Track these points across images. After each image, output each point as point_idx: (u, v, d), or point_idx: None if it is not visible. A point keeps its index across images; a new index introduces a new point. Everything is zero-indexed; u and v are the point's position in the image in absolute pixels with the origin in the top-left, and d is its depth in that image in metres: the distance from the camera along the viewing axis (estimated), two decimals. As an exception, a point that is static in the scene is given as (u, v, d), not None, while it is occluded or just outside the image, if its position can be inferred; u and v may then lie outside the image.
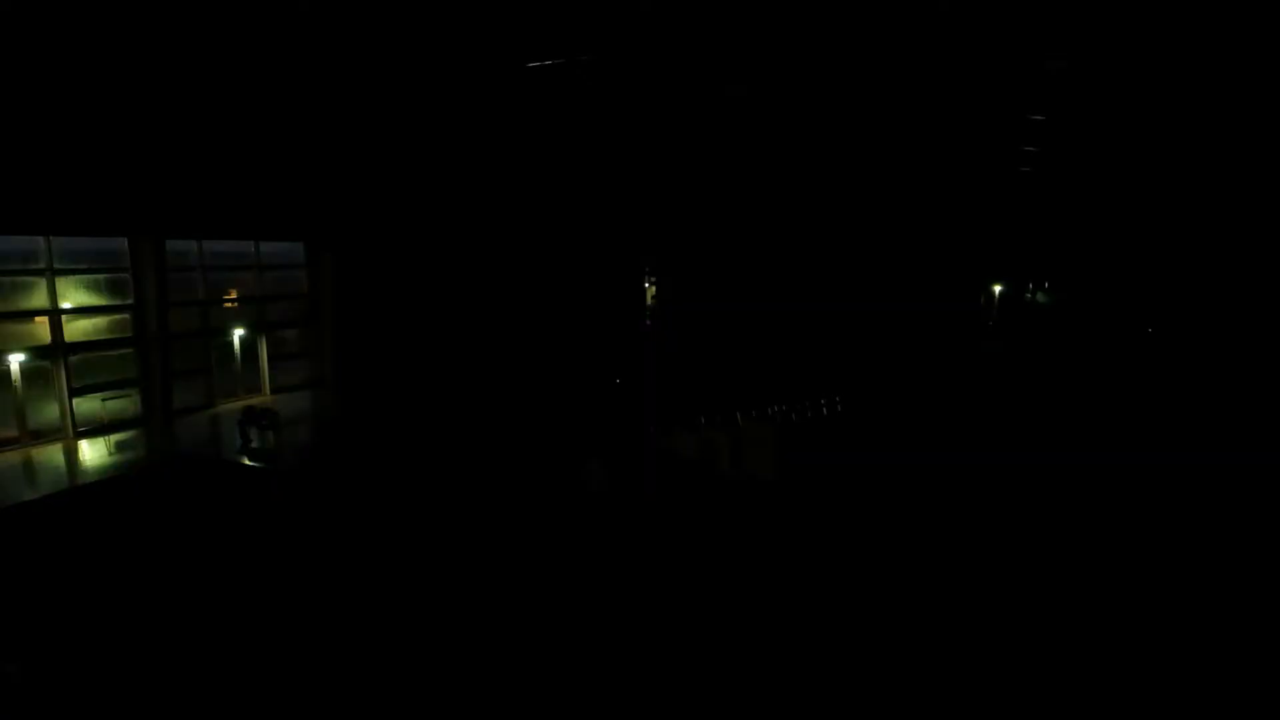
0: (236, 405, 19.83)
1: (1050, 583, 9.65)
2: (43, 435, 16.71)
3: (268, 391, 22.41)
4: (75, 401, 17.14)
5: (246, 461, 15.32)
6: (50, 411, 16.91)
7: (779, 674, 7.50)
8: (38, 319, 16.73)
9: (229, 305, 21.47)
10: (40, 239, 16.50)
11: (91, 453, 16.04)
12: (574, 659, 7.69)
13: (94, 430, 17.33)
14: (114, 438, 16.91)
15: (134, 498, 12.90)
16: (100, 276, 18.01)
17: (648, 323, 38.62)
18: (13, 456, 15.67)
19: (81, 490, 13.36)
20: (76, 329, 17.39)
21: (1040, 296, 35.99)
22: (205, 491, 13.46)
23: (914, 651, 7.93)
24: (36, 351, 16.58)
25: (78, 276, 17.55)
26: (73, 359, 17.15)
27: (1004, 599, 9.23)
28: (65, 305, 17.12)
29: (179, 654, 7.89)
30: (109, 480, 13.81)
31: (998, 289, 37.59)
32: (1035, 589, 9.47)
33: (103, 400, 17.77)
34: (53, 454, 15.93)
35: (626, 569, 9.98)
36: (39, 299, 16.74)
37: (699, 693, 7.15)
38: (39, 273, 16.63)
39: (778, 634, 8.29)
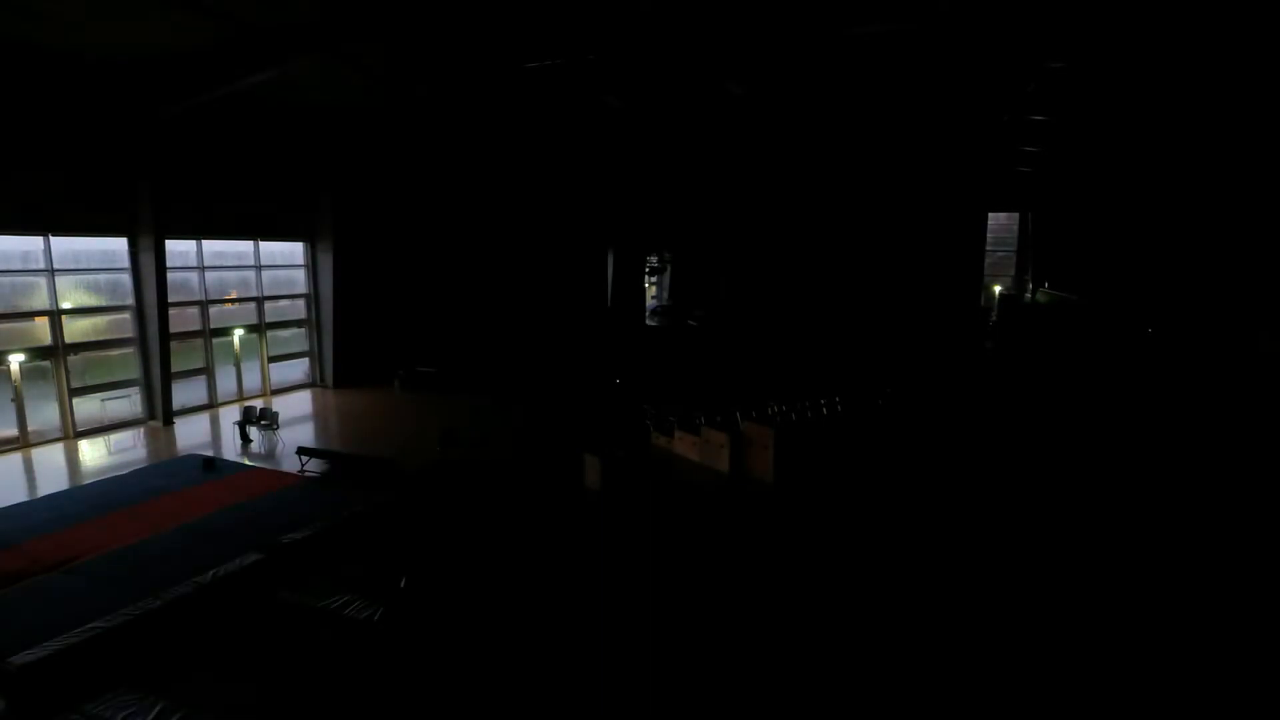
0: (236, 405, 19.88)
1: (1052, 585, 9.66)
2: (42, 435, 16.75)
3: (269, 391, 22.46)
4: (75, 401, 17.17)
5: (246, 462, 15.37)
6: (50, 411, 16.93)
7: (773, 676, 7.50)
8: (37, 319, 16.76)
9: (229, 305, 21.51)
10: (40, 239, 16.55)
11: (91, 453, 16.10)
12: (566, 658, 7.70)
13: (93, 430, 17.38)
14: (113, 437, 16.94)
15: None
16: (100, 276, 18.03)
17: (648, 322, 38.71)
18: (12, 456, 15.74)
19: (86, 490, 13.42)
20: (76, 329, 17.41)
21: (1040, 296, 35.98)
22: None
23: (913, 654, 7.94)
24: (36, 351, 16.61)
25: (77, 276, 17.57)
26: (72, 359, 17.18)
27: (1005, 601, 9.24)
28: (65, 305, 17.14)
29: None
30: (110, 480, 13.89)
31: (998, 289, 37.61)
32: (1036, 591, 9.48)
33: (102, 401, 17.80)
34: (52, 454, 15.98)
35: (623, 568, 9.99)
36: (39, 299, 16.75)
37: (691, 693, 7.15)
38: (39, 273, 16.67)
39: (774, 635, 8.29)
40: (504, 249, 29.64)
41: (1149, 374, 25.27)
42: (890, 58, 17.19)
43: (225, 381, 21.23)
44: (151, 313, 18.20)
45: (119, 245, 17.97)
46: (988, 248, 36.70)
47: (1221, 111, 21.45)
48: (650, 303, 40.69)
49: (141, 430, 17.82)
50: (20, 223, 16.01)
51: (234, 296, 21.73)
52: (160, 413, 18.45)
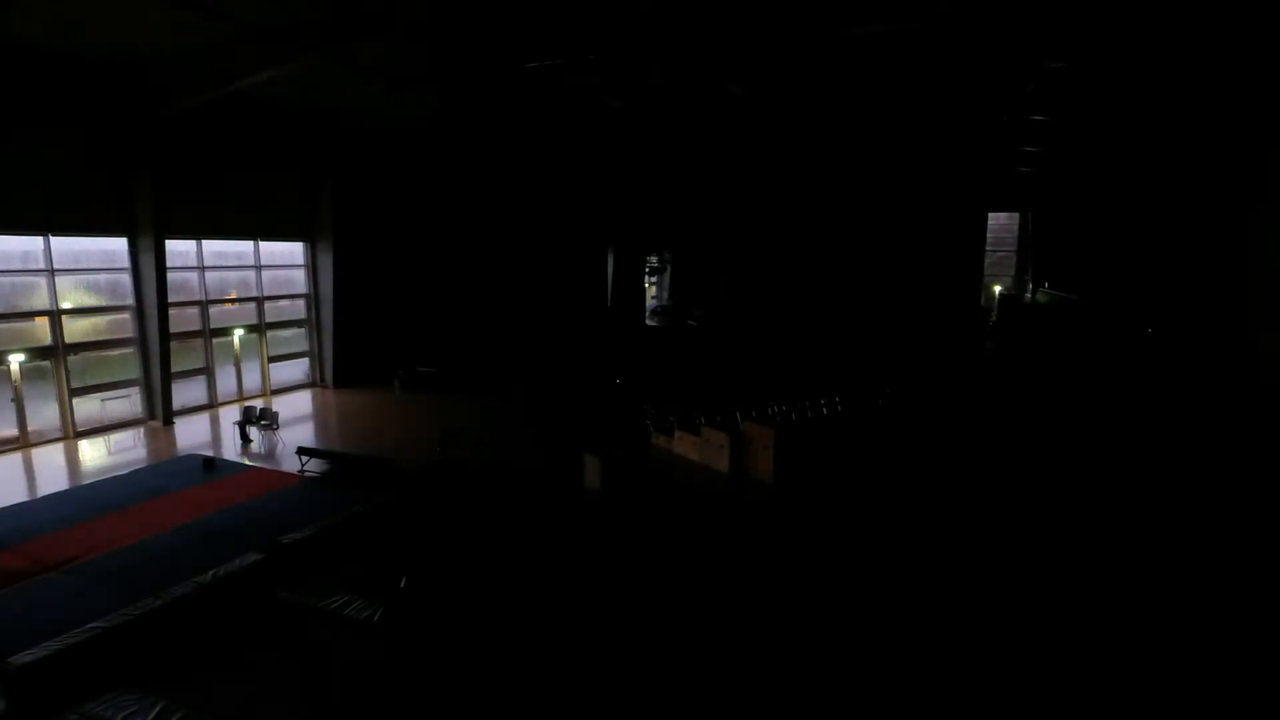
0: (236, 405, 19.87)
1: (1051, 584, 9.65)
2: (42, 435, 16.73)
3: (269, 391, 22.45)
4: (75, 401, 17.16)
5: (246, 462, 15.36)
6: (50, 411, 16.91)
7: (772, 677, 7.50)
8: (37, 319, 16.74)
9: (229, 305, 21.50)
10: (40, 239, 16.53)
11: (92, 453, 16.09)
12: (566, 658, 7.69)
13: (93, 430, 17.37)
14: (113, 437, 16.93)
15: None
16: (100, 276, 18.01)
17: (648, 322, 38.71)
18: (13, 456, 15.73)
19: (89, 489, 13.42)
20: (76, 329, 17.40)
21: (1040, 296, 35.99)
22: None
23: (913, 654, 7.93)
24: (36, 351, 16.59)
25: (77, 276, 17.55)
26: (72, 359, 17.16)
27: (1005, 601, 9.23)
28: (65, 305, 17.13)
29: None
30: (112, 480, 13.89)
31: (998, 289, 37.61)
32: (1036, 590, 9.48)
33: (102, 401, 17.79)
34: (52, 454, 15.97)
35: (623, 568, 9.99)
36: (39, 299, 16.73)
37: (690, 693, 7.15)
38: (39, 273, 16.65)
39: (774, 635, 8.29)
40: (504, 249, 29.63)
41: (1149, 374, 25.26)
42: (890, 58, 17.20)
43: (225, 381, 21.23)
44: (151, 313, 18.19)
45: (119, 245, 17.96)
46: (988, 248, 36.71)
47: (1221, 111, 21.45)
48: (650, 303, 40.69)
49: (141, 430, 17.81)
50: (20, 222, 16.00)
51: (234, 296, 21.72)
52: (160, 413, 18.44)
